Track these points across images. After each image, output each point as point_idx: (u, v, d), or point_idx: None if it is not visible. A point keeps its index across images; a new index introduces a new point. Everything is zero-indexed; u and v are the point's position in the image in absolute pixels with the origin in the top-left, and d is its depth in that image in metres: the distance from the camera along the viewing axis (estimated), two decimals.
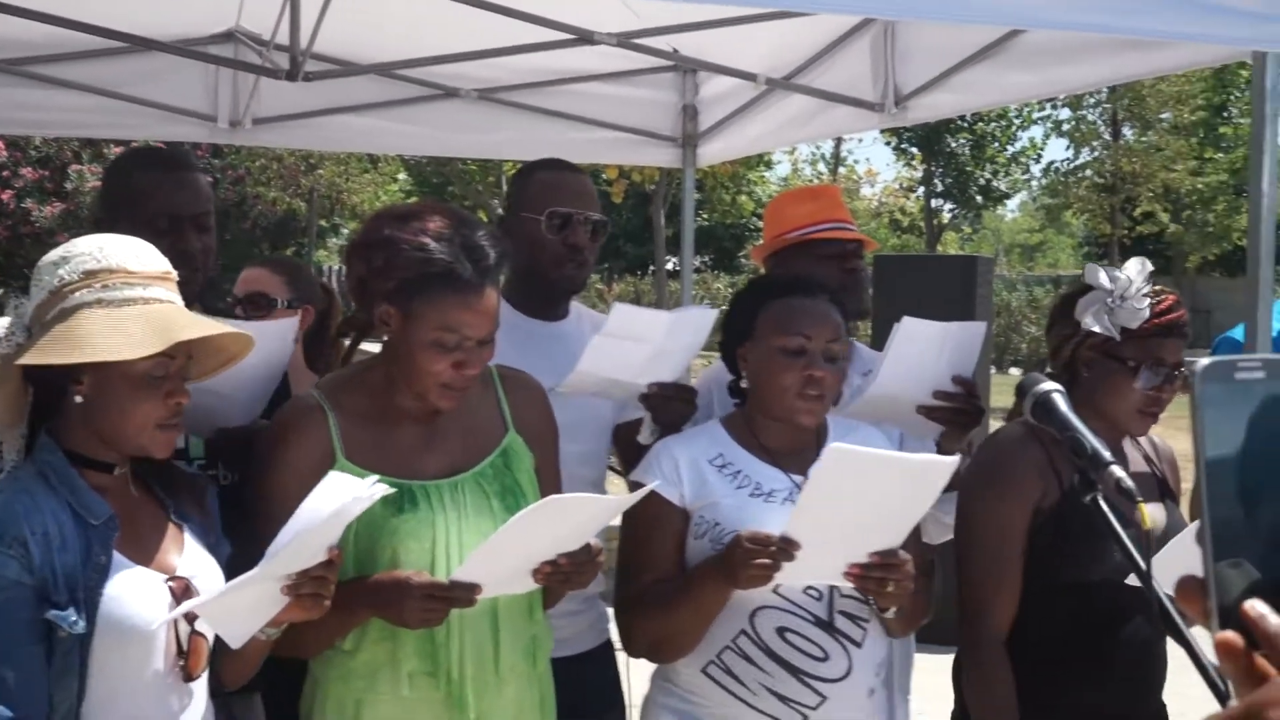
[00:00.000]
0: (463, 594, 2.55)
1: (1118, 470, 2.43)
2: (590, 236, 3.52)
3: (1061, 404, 2.64)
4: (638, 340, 3.22)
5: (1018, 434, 3.12)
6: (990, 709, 3.06)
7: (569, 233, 3.47)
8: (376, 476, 2.45)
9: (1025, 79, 4.44)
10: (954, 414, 3.33)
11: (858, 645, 2.90)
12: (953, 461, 2.67)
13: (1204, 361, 0.96)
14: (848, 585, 2.78)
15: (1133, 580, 2.41)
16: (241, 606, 2.42)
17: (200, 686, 2.54)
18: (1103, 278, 3.09)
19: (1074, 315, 3.13)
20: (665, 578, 2.91)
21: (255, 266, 4.02)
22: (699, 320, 3.39)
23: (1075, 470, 2.50)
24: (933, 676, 3.84)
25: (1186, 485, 2.76)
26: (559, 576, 2.63)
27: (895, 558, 2.73)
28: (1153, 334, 3.06)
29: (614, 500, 2.73)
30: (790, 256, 3.77)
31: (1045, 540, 3.05)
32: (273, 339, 3.06)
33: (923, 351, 3.27)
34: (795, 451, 2.99)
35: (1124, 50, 3.92)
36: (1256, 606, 0.92)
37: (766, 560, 2.65)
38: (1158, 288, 3.10)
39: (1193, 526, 2.72)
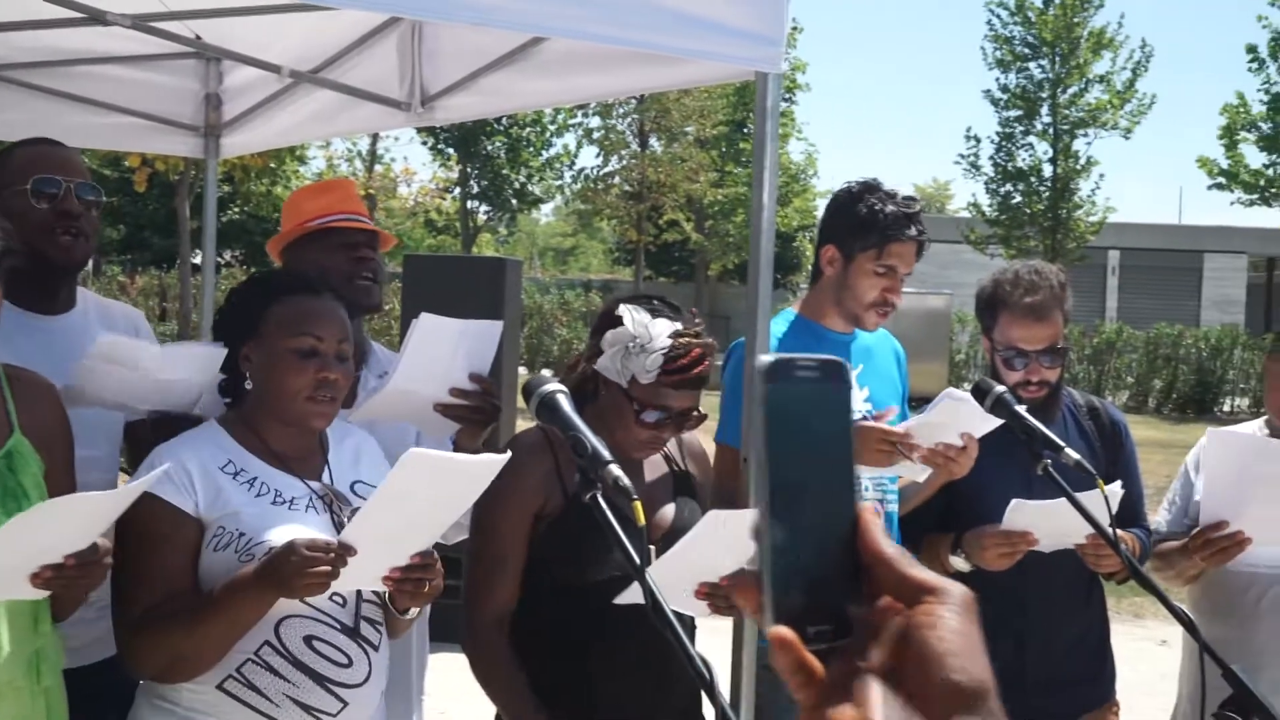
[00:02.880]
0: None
1: (615, 469, 2.53)
2: (84, 207, 3.39)
3: (564, 404, 2.73)
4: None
5: (532, 439, 3.18)
6: (499, 690, 3.13)
7: (58, 201, 3.34)
8: None
9: (547, 86, 4.53)
10: (471, 411, 3.37)
11: (376, 649, 2.91)
12: (501, 459, 2.70)
13: (765, 359, 0.99)
14: (381, 589, 2.78)
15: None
16: None
17: None
18: (631, 322, 3.13)
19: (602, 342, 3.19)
20: (180, 593, 2.76)
21: None
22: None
23: (577, 470, 2.60)
24: (450, 675, 3.87)
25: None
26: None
27: (431, 558, 2.75)
28: (661, 385, 3.12)
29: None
30: (303, 247, 3.73)
31: (547, 547, 3.13)
32: None
33: (440, 348, 3.29)
34: (303, 456, 2.95)
35: (641, 63, 4.06)
36: (782, 635, 0.95)
37: (326, 568, 2.60)
38: (685, 339, 3.13)
39: (710, 521, 2.86)
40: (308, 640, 2.79)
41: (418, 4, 3.00)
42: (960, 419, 3.45)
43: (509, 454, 3.15)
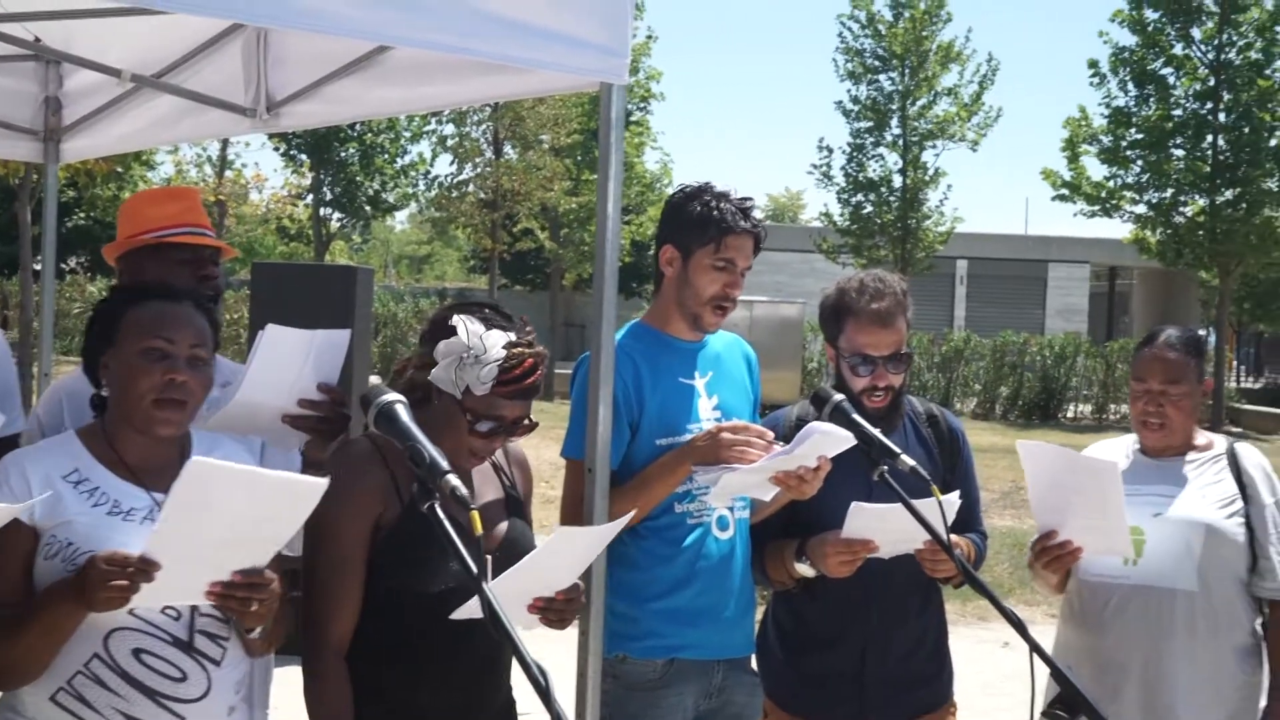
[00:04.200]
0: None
1: (453, 479, 2.55)
2: None
3: (403, 414, 2.73)
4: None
5: (364, 449, 3.16)
6: (323, 718, 3.10)
7: None
8: None
9: (394, 93, 4.52)
10: (319, 422, 3.36)
11: (217, 664, 2.87)
12: (321, 483, 2.66)
13: None
14: (209, 604, 2.74)
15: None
16: None
17: None
18: (465, 333, 3.14)
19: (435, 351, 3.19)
20: (9, 601, 2.74)
21: None
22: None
23: (415, 480, 2.60)
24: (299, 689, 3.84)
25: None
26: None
27: (260, 577, 2.71)
28: (495, 396, 3.14)
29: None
30: (144, 258, 3.67)
31: (388, 553, 3.12)
32: None
33: (288, 359, 3.27)
34: (157, 468, 2.90)
35: (487, 73, 4.08)
36: None
37: (123, 582, 2.56)
38: (519, 350, 3.15)
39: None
40: (136, 653, 2.77)
41: (259, 10, 2.95)
42: (827, 444, 3.50)
43: (341, 463, 3.15)
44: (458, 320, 3.17)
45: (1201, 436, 4.23)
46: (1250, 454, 4.17)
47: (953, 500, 3.57)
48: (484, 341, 3.12)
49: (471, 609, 2.54)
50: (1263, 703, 4.05)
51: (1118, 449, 4.26)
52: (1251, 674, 4.05)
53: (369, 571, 3.12)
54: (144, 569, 2.57)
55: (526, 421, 3.23)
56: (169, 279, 3.51)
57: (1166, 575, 3.98)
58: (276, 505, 2.66)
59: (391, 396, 2.77)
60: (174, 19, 4.54)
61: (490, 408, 3.15)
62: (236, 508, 2.59)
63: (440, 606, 2.91)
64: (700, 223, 3.81)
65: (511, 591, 2.86)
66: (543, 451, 9.34)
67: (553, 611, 3.06)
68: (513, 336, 3.16)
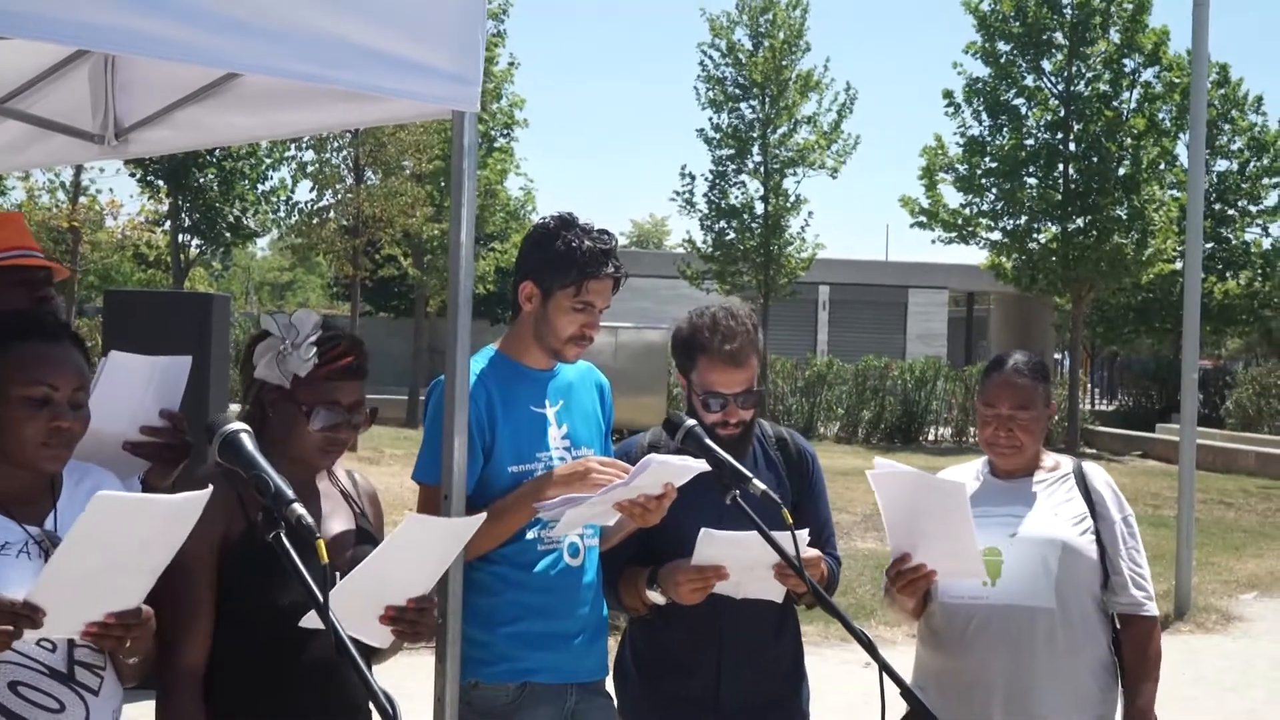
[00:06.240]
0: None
1: (299, 508, 2.56)
2: None
3: (247, 443, 2.73)
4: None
5: (208, 471, 3.14)
6: None
7: None
8: None
9: (246, 120, 4.49)
10: (161, 449, 3.33)
11: (95, 694, 2.84)
12: (203, 495, 2.64)
13: None
14: (78, 639, 2.71)
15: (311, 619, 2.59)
16: None
17: None
18: (274, 326, 3.20)
19: (253, 361, 3.22)
20: None
21: None
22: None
23: (259, 509, 2.59)
24: None
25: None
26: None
27: (135, 616, 2.69)
28: (324, 379, 3.20)
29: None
30: None
31: (233, 574, 3.11)
32: None
33: (130, 386, 3.25)
34: (26, 500, 2.86)
35: (340, 100, 4.06)
36: None
37: (8, 628, 2.53)
38: (332, 334, 3.24)
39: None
40: (13, 686, 2.73)
41: (107, 38, 2.89)
42: (666, 474, 3.53)
43: (185, 485, 3.13)
44: (265, 320, 3.24)
45: (1049, 458, 4.32)
46: (1097, 472, 4.27)
47: (803, 535, 3.61)
48: (295, 324, 3.20)
49: (316, 619, 2.54)
50: (1118, 717, 4.16)
51: (968, 472, 4.33)
52: (1108, 688, 4.15)
53: (224, 591, 3.11)
54: (29, 614, 2.53)
55: (366, 411, 3.29)
56: (6, 303, 3.45)
57: (1025, 594, 4.03)
58: (164, 529, 2.64)
59: (235, 426, 2.76)
60: (18, 43, 4.45)
61: (323, 393, 3.21)
62: (130, 536, 2.56)
63: (291, 619, 2.88)
64: (562, 264, 3.81)
65: (362, 593, 2.86)
66: (406, 480, 9.31)
67: (405, 622, 3.07)
68: (320, 318, 3.26)
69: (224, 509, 3.07)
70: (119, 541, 2.55)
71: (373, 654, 3.26)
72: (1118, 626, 4.21)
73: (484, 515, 3.26)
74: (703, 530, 3.63)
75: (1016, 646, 4.02)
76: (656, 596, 3.85)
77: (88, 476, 3.02)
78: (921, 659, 4.26)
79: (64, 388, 2.84)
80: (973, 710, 3.99)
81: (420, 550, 3.04)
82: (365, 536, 3.38)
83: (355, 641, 2.48)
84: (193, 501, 2.63)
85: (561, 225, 3.87)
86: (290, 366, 3.17)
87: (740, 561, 3.67)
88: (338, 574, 3.12)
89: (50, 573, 2.55)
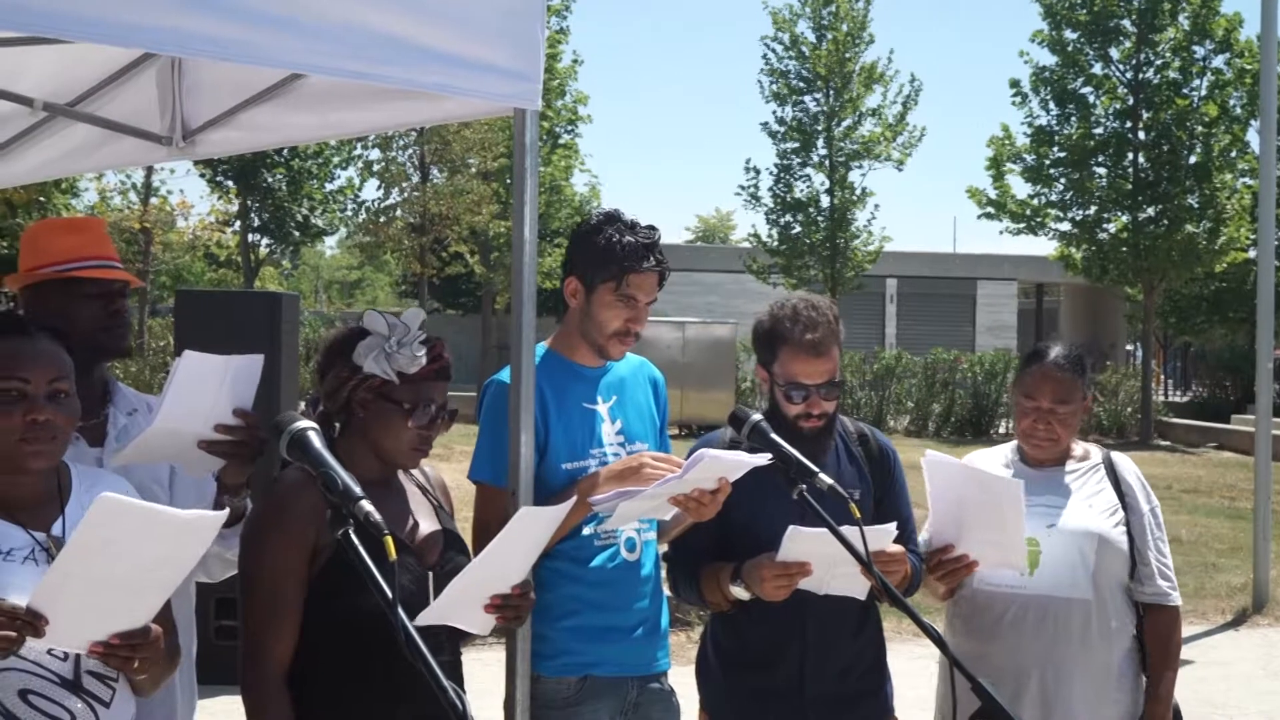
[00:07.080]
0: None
1: (367, 505, 2.56)
2: None
3: (315, 441, 2.73)
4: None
5: (296, 476, 3.14)
6: None
7: None
8: None
9: (310, 120, 4.52)
10: (236, 447, 3.36)
11: (106, 705, 2.83)
12: (220, 516, 2.63)
13: None
14: (83, 652, 2.69)
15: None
16: None
17: None
18: (381, 324, 3.23)
19: (352, 359, 3.23)
20: None
21: None
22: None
23: (329, 506, 2.59)
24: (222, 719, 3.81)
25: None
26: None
27: (142, 637, 2.67)
28: (425, 378, 3.24)
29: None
30: (50, 292, 3.63)
31: (326, 579, 3.11)
32: None
33: (204, 385, 3.27)
34: (33, 506, 2.85)
35: (402, 99, 4.07)
36: None
37: (11, 634, 2.52)
38: (427, 335, 3.27)
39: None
40: (23, 694, 2.72)
41: (168, 40, 2.91)
42: (719, 469, 3.53)
43: (275, 491, 3.15)
44: (369, 318, 3.26)
45: (1078, 446, 4.39)
46: (1126, 463, 4.34)
47: (890, 529, 3.65)
48: (405, 321, 3.23)
49: (421, 617, 2.56)
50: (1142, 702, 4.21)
51: (997, 458, 4.39)
52: (1135, 677, 4.22)
53: (316, 595, 3.12)
54: (31, 620, 2.52)
55: (450, 409, 3.33)
56: (78, 313, 3.48)
57: (1064, 585, 4.11)
58: (176, 545, 2.61)
59: (303, 424, 2.77)
60: (87, 46, 4.50)
61: (422, 392, 3.24)
62: (138, 548, 2.53)
63: (375, 628, 2.87)
64: (603, 258, 3.84)
65: (471, 588, 2.90)
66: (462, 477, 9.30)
67: (509, 608, 3.15)
68: (424, 316, 3.28)
69: (313, 517, 3.07)
70: (125, 552, 2.52)
71: (463, 637, 3.30)
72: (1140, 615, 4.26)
73: (575, 496, 3.33)
74: (790, 528, 3.62)
75: (1054, 636, 4.11)
76: (740, 592, 3.84)
77: (99, 482, 3.00)
78: (951, 645, 4.26)
79: (37, 381, 2.80)
80: (1002, 696, 3.99)
81: (525, 540, 3.11)
82: (449, 532, 3.40)
83: (446, 632, 2.48)
84: (206, 521, 2.61)
85: (605, 221, 3.91)
86: (398, 364, 3.20)
87: (825, 558, 3.66)
88: (430, 572, 3.20)
89: (54, 577, 2.53)
